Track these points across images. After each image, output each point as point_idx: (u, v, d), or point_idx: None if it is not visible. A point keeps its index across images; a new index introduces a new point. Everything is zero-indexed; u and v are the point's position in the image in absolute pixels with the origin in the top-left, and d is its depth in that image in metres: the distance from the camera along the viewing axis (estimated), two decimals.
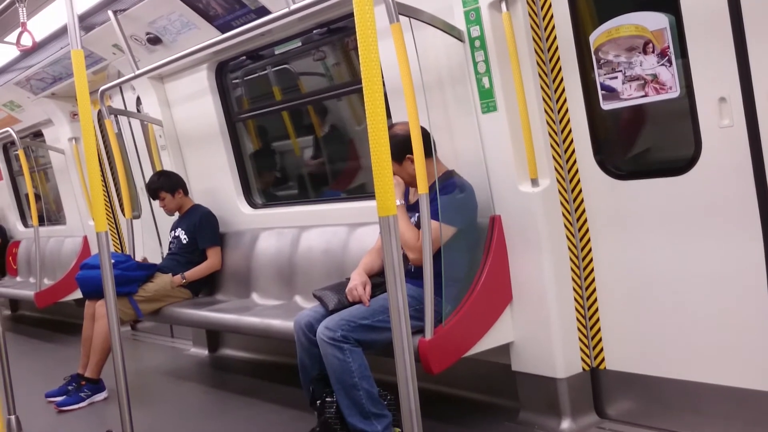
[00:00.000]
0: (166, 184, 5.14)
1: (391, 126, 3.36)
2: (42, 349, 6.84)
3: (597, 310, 3.33)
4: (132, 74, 4.97)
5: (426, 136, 3.18)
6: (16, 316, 9.04)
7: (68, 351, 6.04)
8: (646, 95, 3.00)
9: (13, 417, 3.93)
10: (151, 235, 6.12)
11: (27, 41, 4.30)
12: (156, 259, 5.58)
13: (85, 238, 7.12)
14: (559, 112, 3.31)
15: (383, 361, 3.14)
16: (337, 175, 5.30)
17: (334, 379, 3.15)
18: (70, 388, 4.70)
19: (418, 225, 3.31)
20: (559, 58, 3.26)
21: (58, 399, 4.65)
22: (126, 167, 6.08)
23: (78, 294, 5.89)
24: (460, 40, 3.32)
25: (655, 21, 2.92)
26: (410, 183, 3.36)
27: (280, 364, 4.97)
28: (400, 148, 3.21)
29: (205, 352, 5.70)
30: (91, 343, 4.70)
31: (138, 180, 6.16)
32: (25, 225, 8.72)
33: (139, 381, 4.94)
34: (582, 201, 3.31)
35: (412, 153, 3.07)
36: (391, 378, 2.30)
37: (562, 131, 3.31)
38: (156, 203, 5.43)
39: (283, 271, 4.68)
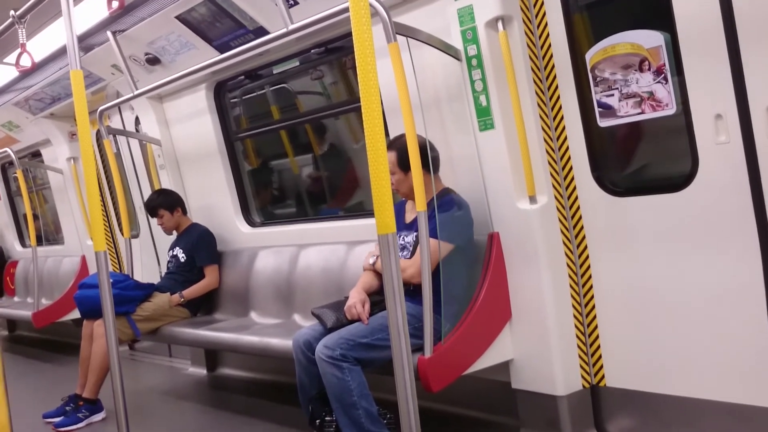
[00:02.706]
0: (165, 202, 5.16)
1: (401, 135, 3.29)
2: (39, 369, 6.81)
3: (596, 327, 3.33)
4: (131, 94, 4.99)
5: (434, 151, 3.26)
6: (13, 336, 9.00)
7: (66, 371, 6.01)
8: (642, 112, 3.02)
9: None
10: (149, 255, 6.12)
11: (26, 62, 4.33)
12: (154, 278, 5.57)
13: (83, 258, 7.11)
14: (556, 129, 3.32)
15: (382, 379, 3.14)
16: (335, 193, 5.31)
17: (333, 398, 3.14)
18: (67, 408, 4.68)
19: (416, 243, 3.32)
20: (555, 76, 3.28)
21: (56, 420, 4.62)
22: (124, 187, 6.09)
23: (76, 314, 5.88)
24: (458, 59, 3.35)
25: (650, 39, 2.95)
26: (409, 196, 3.36)
27: (279, 383, 4.95)
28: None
29: (203, 371, 5.68)
30: (89, 363, 4.68)
31: (136, 199, 6.17)
32: (23, 245, 8.71)
33: (137, 401, 4.91)
34: (580, 218, 3.32)
35: (421, 165, 3.07)
36: (390, 396, 2.30)
37: (560, 148, 3.32)
38: (155, 222, 5.43)
39: (281, 289, 4.68)
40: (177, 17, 4.39)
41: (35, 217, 7.66)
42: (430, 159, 3.22)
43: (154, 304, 4.82)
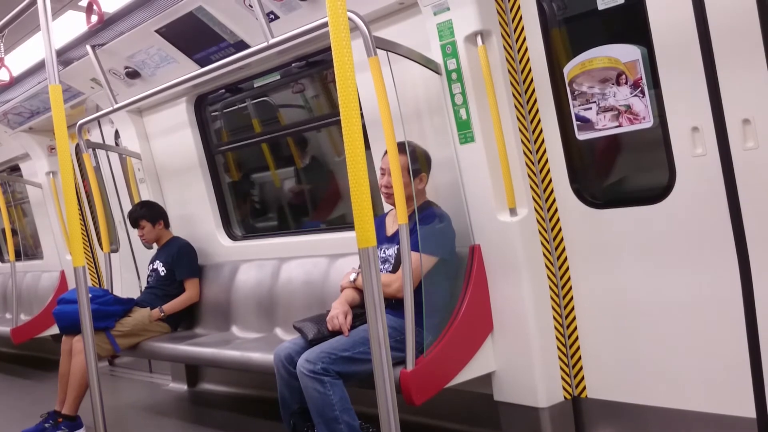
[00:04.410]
0: (148, 214, 5.14)
1: (402, 142, 3.21)
2: (18, 385, 6.72)
3: (577, 338, 3.35)
4: (110, 108, 4.95)
5: (428, 159, 3.44)
6: None
7: (45, 387, 5.94)
8: (620, 125, 3.05)
9: None
10: (129, 269, 6.07)
11: (4, 76, 4.31)
12: (134, 293, 5.53)
13: (63, 273, 7.04)
14: (535, 142, 3.35)
15: (364, 393, 3.13)
16: (317, 206, 5.31)
17: (314, 412, 3.12)
18: (47, 425, 4.61)
19: (398, 256, 3.32)
20: (534, 90, 3.31)
21: None
22: (104, 201, 6.04)
23: (55, 329, 5.81)
24: (437, 73, 3.37)
25: (627, 53, 2.98)
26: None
27: (261, 398, 4.92)
28: (420, 164, 3.37)
29: (184, 386, 5.63)
30: (68, 379, 4.63)
31: (116, 214, 6.12)
32: (2, 260, 8.61)
33: (117, 417, 4.87)
34: (560, 230, 3.34)
35: (425, 172, 3.37)
36: (372, 410, 2.29)
37: (539, 161, 3.35)
38: (135, 236, 5.39)
39: (263, 303, 4.66)
40: (157, 31, 4.39)
41: (14, 231, 7.58)
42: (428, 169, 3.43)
43: (133, 319, 4.79)
